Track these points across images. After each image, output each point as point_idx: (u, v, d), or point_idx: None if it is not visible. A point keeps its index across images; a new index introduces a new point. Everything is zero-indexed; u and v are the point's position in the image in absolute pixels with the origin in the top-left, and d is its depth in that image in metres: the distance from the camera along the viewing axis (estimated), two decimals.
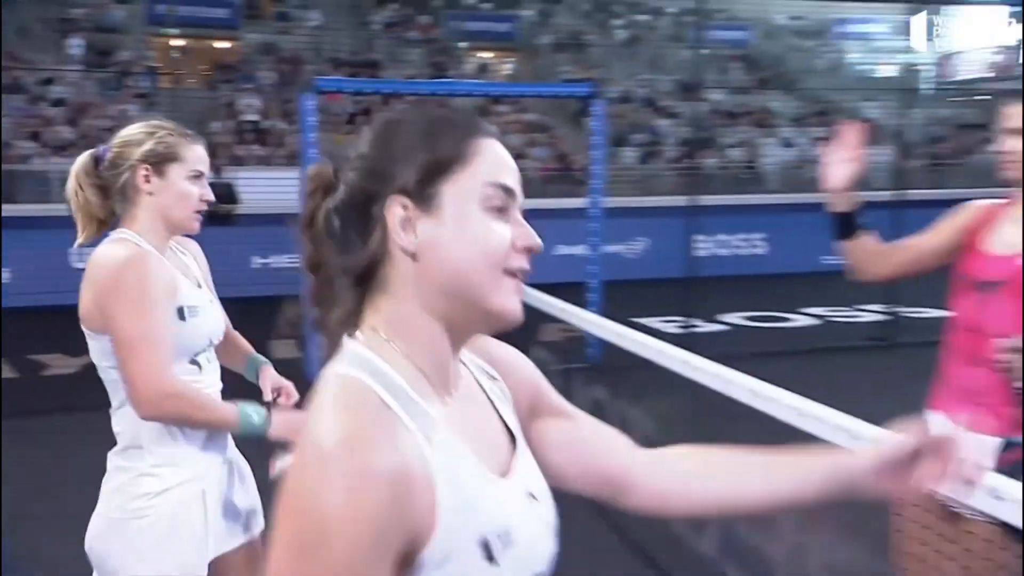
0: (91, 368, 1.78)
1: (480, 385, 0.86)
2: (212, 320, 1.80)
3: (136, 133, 1.72)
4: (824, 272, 8.82)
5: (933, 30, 22.68)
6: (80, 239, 1.73)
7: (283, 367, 2.03)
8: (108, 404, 1.72)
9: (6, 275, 8.49)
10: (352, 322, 0.78)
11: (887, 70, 21.81)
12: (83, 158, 1.75)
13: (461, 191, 0.75)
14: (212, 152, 2.25)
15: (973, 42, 21.68)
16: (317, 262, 0.79)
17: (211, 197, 1.79)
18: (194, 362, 1.75)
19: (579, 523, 3.08)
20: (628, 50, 20.80)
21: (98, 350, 1.64)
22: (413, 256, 0.74)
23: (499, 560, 0.72)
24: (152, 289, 1.60)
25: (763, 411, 2.12)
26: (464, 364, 0.85)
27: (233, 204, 9.55)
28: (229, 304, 1.99)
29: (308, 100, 5.90)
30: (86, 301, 1.62)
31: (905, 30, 23.37)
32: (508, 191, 0.77)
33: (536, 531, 0.79)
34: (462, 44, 20.29)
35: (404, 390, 0.72)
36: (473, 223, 0.74)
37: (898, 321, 7.56)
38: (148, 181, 1.69)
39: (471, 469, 0.74)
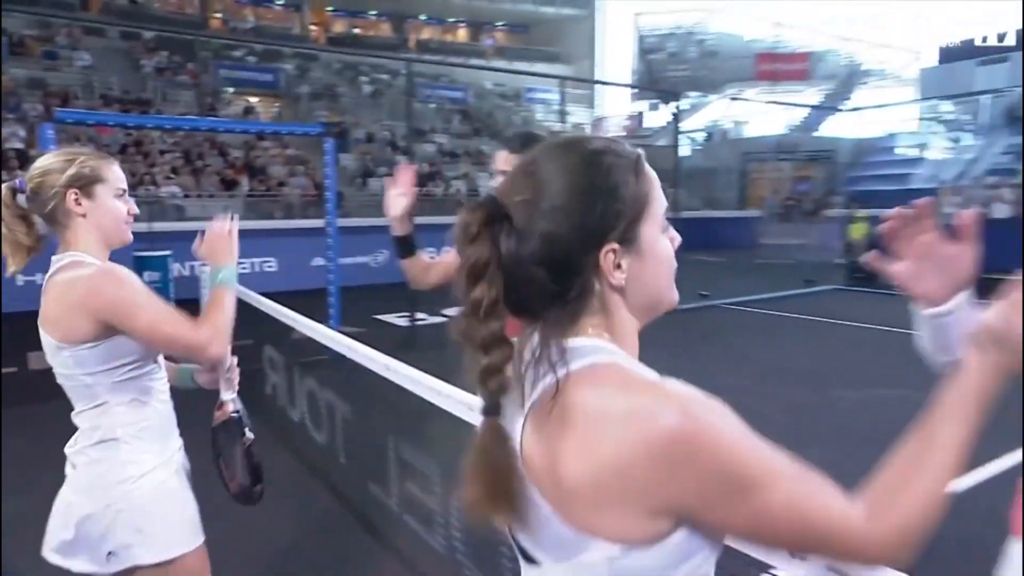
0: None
1: None
2: None
3: (55, 162, 1.65)
4: None
5: (593, 100, 28.37)
6: (12, 267, 1.65)
7: None
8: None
9: None
10: (567, 333, 0.77)
11: (560, 127, 25.78)
12: (3, 190, 1.64)
13: (652, 226, 0.79)
14: None
15: (615, 111, 27.83)
16: (493, 305, 0.75)
17: (136, 210, 1.74)
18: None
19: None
20: (373, 101, 23.09)
21: (76, 361, 1.56)
22: (620, 289, 0.78)
23: None
24: (134, 280, 1.58)
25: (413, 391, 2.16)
26: None
27: None
28: None
29: (48, 129, 5.91)
30: (71, 321, 1.54)
31: (573, 99, 28.20)
32: (664, 210, 0.81)
33: None
34: (229, 89, 21.17)
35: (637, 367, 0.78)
36: (659, 248, 0.80)
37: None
38: (79, 204, 1.62)
39: None
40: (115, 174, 1.69)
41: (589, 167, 0.77)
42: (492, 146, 22.26)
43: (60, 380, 1.63)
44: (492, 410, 0.77)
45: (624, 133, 25.32)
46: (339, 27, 28.37)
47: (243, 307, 2.38)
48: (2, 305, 6.73)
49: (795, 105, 23.42)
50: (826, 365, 6.66)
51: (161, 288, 7.62)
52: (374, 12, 28.94)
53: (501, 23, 30.69)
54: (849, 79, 23.62)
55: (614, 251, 0.76)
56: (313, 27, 27.78)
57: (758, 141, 23.30)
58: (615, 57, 28.21)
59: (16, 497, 3.27)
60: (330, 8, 28.23)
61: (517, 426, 0.79)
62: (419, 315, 7.75)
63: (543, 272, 0.76)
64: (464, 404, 1.78)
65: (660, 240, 0.80)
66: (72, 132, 15.30)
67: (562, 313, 0.78)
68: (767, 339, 8.02)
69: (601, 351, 0.77)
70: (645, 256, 0.78)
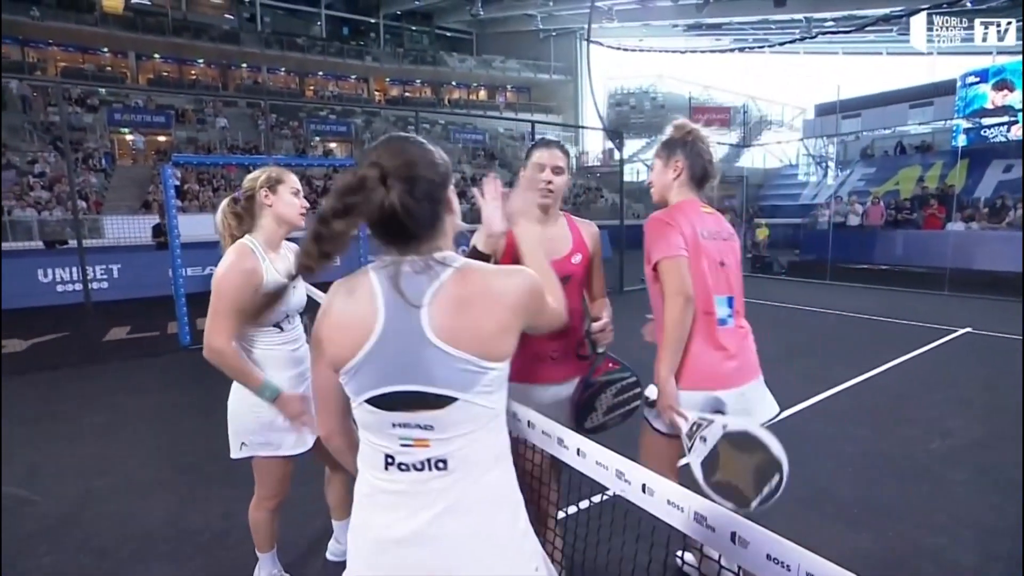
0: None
1: None
2: (291, 299, 1.79)
3: (255, 174, 1.78)
4: None
5: (577, 139, 29.80)
6: (225, 248, 1.75)
7: None
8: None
9: None
10: (431, 250, 0.90)
11: None
12: (226, 200, 1.80)
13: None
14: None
15: (592, 148, 29.05)
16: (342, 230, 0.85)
17: (307, 204, 1.79)
18: (276, 325, 1.76)
19: None
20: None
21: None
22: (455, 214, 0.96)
23: None
24: (235, 280, 1.63)
25: None
26: None
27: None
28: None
29: (167, 169, 5.94)
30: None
31: (562, 140, 29.73)
32: None
33: None
34: (316, 138, 22.91)
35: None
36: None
37: None
38: (267, 198, 1.74)
39: None
40: (291, 180, 1.80)
41: (422, 144, 0.95)
42: (501, 174, 23.76)
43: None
44: (303, 270, 0.89)
45: (599, 163, 26.90)
46: (394, 92, 29.97)
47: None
48: (2, 303, 6.89)
49: (721, 143, 24.44)
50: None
51: None
52: (419, 80, 30.54)
53: (510, 86, 31.99)
54: (757, 125, 24.53)
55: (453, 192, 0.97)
56: (376, 92, 29.74)
57: None
58: (591, 109, 29.36)
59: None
60: (388, 79, 29.92)
61: (415, 315, 0.86)
62: None
63: (427, 206, 0.88)
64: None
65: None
66: (213, 172, 17.46)
67: (434, 234, 0.92)
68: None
69: (458, 258, 0.91)
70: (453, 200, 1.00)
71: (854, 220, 11.64)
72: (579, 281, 1.73)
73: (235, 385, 1.76)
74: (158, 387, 4.72)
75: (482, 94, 31.83)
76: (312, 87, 28.26)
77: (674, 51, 18.50)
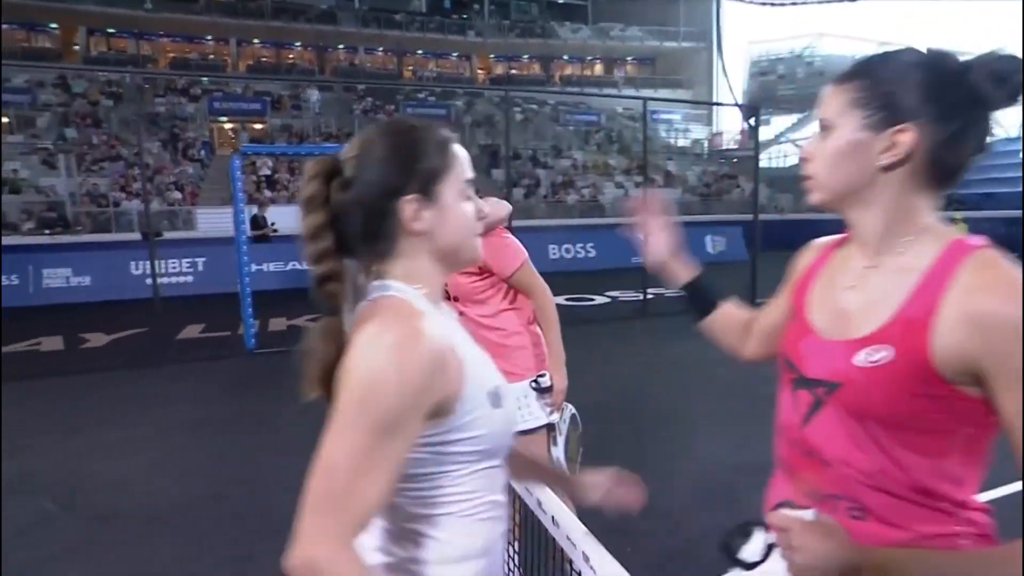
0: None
1: None
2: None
3: None
4: (632, 267, 9.47)
5: (710, 118, 27.68)
6: None
7: None
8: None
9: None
10: (373, 273, 0.82)
11: (680, 141, 26.28)
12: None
13: (452, 190, 0.83)
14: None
15: (728, 126, 26.94)
16: (320, 230, 0.78)
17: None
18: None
19: None
20: (522, 126, 24.01)
21: None
22: (422, 234, 0.81)
23: (501, 406, 0.82)
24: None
25: None
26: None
27: (267, 229, 10.00)
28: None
29: (236, 160, 6.14)
30: None
31: (691, 118, 28.04)
32: (471, 182, 0.85)
33: (512, 402, 0.88)
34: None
35: (427, 304, 0.81)
36: (458, 208, 0.83)
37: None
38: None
39: (473, 350, 0.84)
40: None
41: (401, 135, 0.83)
42: (618, 160, 23.12)
43: None
44: (330, 311, 0.81)
45: (737, 145, 24.80)
46: (499, 70, 29.56)
47: None
48: (2, 301, 7.18)
49: None
50: None
51: None
52: (526, 55, 29.97)
53: (631, 58, 30.57)
54: None
55: (415, 202, 0.80)
56: (480, 71, 29.62)
57: None
58: (732, 81, 27.52)
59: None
60: (492, 56, 29.71)
61: None
62: (650, 289, 7.89)
63: (360, 213, 0.80)
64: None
65: (460, 203, 0.84)
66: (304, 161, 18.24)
67: (372, 252, 0.82)
68: None
69: (388, 288, 0.80)
70: (443, 211, 0.83)
71: None
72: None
73: None
74: (212, 396, 4.77)
75: (597, 68, 30.67)
76: (410, 67, 28.51)
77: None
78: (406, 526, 0.82)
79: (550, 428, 1.98)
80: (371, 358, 0.72)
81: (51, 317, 8.36)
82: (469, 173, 0.86)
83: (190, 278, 10.32)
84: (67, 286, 9.85)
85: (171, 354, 6.16)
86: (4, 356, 6.18)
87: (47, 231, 13.25)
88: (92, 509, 3.02)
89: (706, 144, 26.31)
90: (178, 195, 16.76)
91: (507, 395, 0.86)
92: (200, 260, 10.47)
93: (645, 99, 9.04)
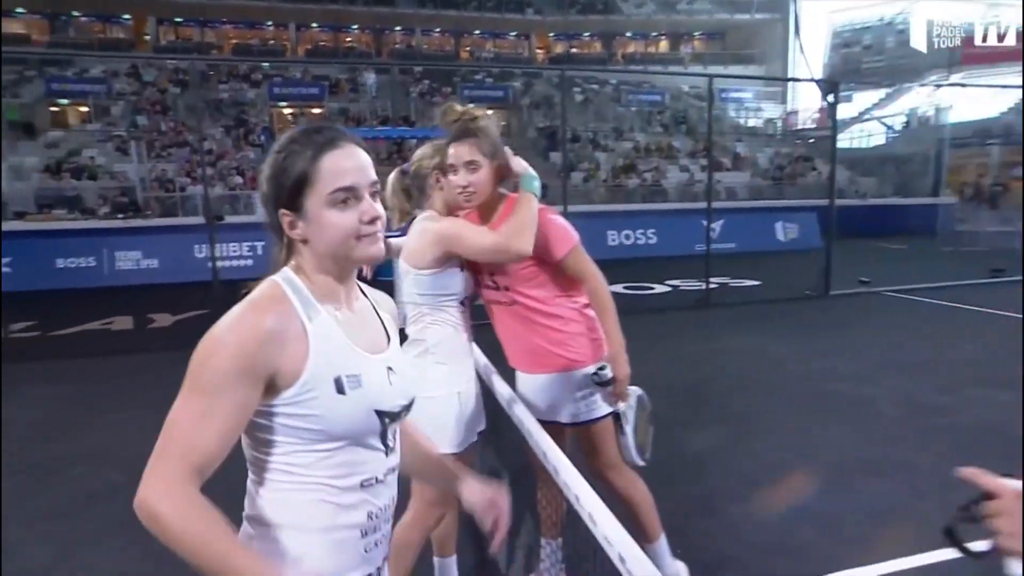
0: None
1: (374, 308, 1.05)
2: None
3: (427, 152, 1.93)
4: (695, 255, 9.87)
5: (784, 96, 26.44)
6: (396, 224, 1.97)
7: None
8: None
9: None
10: (281, 264, 0.95)
11: (751, 121, 25.30)
12: (395, 173, 1.99)
13: (317, 200, 0.90)
14: None
15: (805, 104, 25.53)
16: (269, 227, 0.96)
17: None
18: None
19: None
20: (582, 107, 23.64)
21: (417, 283, 1.80)
22: (304, 240, 0.93)
23: (347, 393, 0.89)
24: (462, 222, 1.84)
25: None
26: (366, 296, 1.04)
27: None
28: None
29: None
30: (419, 250, 1.79)
31: (763, 96, 26.92)
32: (348, 189, 0.89)
33: (383, 384, 0.95)
34: (470, 105, 23.23)
35: (304, 293, 0.91)
36: (324, 218, 0.90)
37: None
38: (438, 181, 1.91)
39: (338, 340, 0.91)
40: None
41: (280, 151, 0.92)
42: (683, 142, 22.39)
43: (406, 299, 1.82)
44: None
45: (814, 125, 23.63)
46: (558, 49, 29.01)
47: None
48: (2, 291, 7.14)
49: (1005, 87, 19.95)
50: (971, 359, 5.19)
51: None
52: (587, 33, 29.31)
53: (698, 32, 29.42)
54: None
55: (288, 214, 0.91)
56: (538, 50, 29.21)
57: (962, 126, 20.07)
58: (810, 54, 26.21)
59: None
60: (551, 34, 29.24)
61: None
62: (713, 278, 7.97)
63: (268, 214, 0.95)
64: None
65: (326, 212, 0.89)
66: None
67: (281, 249, 0.97)
68: (916, 327, 6.51)
69: (276, 276, 0.93)
70: (311, 222, 0.91)
71: None
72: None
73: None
74: None
75: (663, 45, 29.72)
76: (468, 48, 28.42)
77: None
78: (253, 485, 0.94)
79: (616, 416, 2.00)
80: (216, 328, 0.85)
81: (122, 298, 8.89)
82: (344, 181, 0.89)
83: (250, 261, 10.75)
84: (137, 268, 10.52)
85: None
86: (79, 335, 6.64)
87: (120, 215, 14.07)
88: None
89: (780, 124, 25.29)
90: (239, 180, 17.47)
91: (371, 387, 0.92)
92: (259, 244, 10.87)
93: (711, 76, 8.79)
